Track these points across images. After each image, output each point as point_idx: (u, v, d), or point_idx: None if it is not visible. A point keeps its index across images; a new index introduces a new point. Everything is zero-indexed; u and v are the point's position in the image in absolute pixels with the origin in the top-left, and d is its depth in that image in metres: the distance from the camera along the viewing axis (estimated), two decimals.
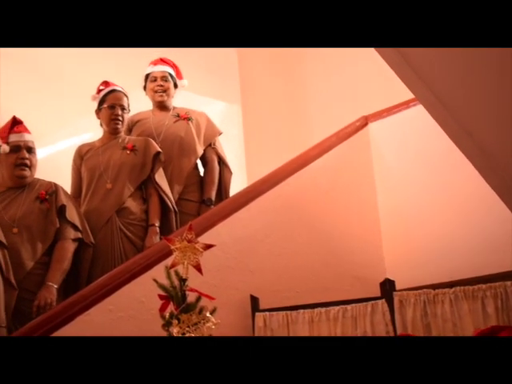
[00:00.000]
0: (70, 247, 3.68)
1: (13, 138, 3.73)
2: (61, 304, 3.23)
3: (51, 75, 5.40)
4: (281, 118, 6.32)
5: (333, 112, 5.87)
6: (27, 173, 3.74)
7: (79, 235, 3.73)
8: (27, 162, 3.74)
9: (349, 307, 3.45)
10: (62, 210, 3.72)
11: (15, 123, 3.78)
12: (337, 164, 4.43)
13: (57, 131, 5.32)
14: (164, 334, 2.53)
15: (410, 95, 3.09)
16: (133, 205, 4.00)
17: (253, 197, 3.92)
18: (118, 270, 3.39)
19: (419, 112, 3.28)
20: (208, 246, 2.62)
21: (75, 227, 3.72)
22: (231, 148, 5.99)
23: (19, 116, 3.87)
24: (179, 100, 4.72)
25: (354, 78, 5.81)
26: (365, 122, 4.67)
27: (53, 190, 3.77)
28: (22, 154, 3.73)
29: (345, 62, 5.89)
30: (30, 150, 3.77)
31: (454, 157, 3.10)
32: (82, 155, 4.20)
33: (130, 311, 3.27)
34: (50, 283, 3.52)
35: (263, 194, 3.95)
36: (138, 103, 4.51)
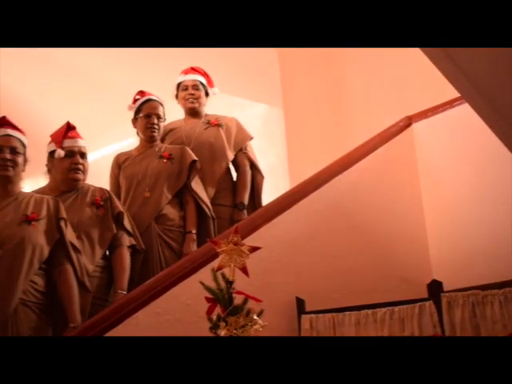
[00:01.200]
0: (128, 254, 3.75)
1: (67, 143, 3.79)
2: (109, 307, 3.27)
3: (92, 82, 5.49)
4: (323, 119, 6.31)
5: (375, 112, 5.83)
6: (81, 176, 3.81)
7: (133, 241, 3.79)
8: (81, 166, 3.80)
9: (396, 309, 3.41)
10: (118, 217, 3.79)
11: (69, 129, 3.84)
12: (381, 165, 4.39)
13: (98, 138, 5.39)
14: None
15: (453, 94, 3.06)
16: (171, 212, 4.06)
17: (297, 199, 3.91)
18: (164, 273, 3.42)
19: (464, 111, 3.24)
20: (254, 249, 2.62)
21: (129, 234, 3.78)
22: (273, 150, 6.02)
23: (60, 122, 3.93)
24: (221, 103, 4.74)
25: (396, 77, 5.76)
26: (408, 122, 4.63)
27: (106, 196, 3.83)
28: (75, 159, 3.79)
29: (386, 62, 5.84)
30: (83, 155, 3.84)
31: (500, 155, 3.05)
32: (120, 164, 4.27)
33: (176, 314, 3.29)
34: (120, 291, 3.58)
35: (307, 195, 3.94)
36: (176, 113, 4.56)
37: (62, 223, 3.46)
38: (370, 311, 3.45)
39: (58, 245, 3.42)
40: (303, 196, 3.93)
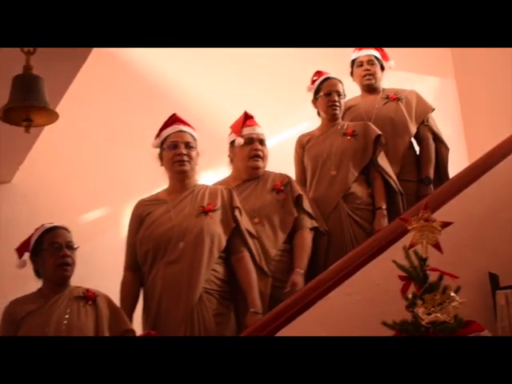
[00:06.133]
0: (309, 236, 3.80)
1: (246, 131, 3.92)
2: (301, 290, 3.32)
3: (265, 69, 5.59)
4: (497, 88, 6.04)
5: None
6: (260, 164, 3.91)
7: (315, 224, 3.82)
8: (260, 153, 3.91)
9: None
10: (298, 200, 3.84)
11: (247, 118, 3.97)
12: None
13: (274, 124, 5.49)
14: (408, 315, 2.52)
15: None
16: (358, 189, 4.04)
17: (482, 171, 3.74)
18: (352, 253, 3.41)
19: None
20: (446, 224, 2.58)
21: (310, 216, 3.82)
22: (448, 123, 5.84)
23: (237, 111, 4.04)
24: (391, 80, 4.67)
25: None
26: None
27: (286, 181, 3.90)
28: (255, 146, 3.90)
29: None
30: (262, 142, 3.94)
31: None
32: (303, 145, 4.30)
33: (366, 294, 3.27)
34: (298, 269, 3.66)
35: (493, 167, 3.76)
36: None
37: (237, 212, 3.55)
38: None
39: (235, 233, 3.52)
40: (489, 167, 3.74)
